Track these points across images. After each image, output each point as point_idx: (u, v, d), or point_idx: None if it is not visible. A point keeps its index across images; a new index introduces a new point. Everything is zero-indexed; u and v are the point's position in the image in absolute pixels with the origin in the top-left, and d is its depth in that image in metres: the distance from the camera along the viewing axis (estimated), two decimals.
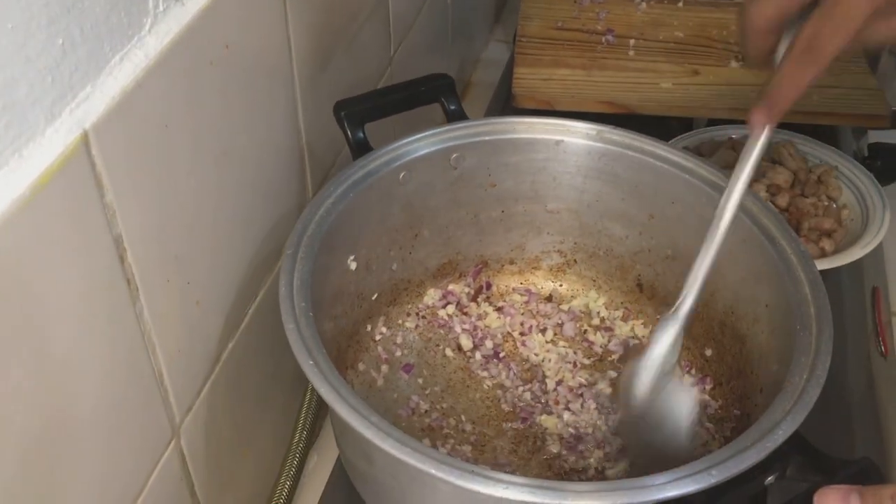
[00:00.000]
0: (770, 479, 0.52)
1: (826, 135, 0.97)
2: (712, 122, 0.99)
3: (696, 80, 1.04)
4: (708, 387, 0.73)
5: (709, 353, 0.74)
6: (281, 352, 0.54)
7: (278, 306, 0.57)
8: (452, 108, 0.74)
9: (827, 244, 0.83)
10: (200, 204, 0.55)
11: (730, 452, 0.51)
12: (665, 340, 0.60)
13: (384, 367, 0.75)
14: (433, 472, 0.48)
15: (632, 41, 1.11)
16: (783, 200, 0.87)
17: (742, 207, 0.67)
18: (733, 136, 0.95)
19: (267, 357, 0.68)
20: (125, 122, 0.46)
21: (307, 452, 0.75)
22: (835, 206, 0.88)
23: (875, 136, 1.05)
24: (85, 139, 0.43)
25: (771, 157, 0.90)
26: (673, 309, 0.61)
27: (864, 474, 0.49)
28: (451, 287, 0.81)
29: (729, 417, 0.70)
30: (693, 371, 0.74)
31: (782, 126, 0.95)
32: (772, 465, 0.51)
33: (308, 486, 0.74)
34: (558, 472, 0.67)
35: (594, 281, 0.81)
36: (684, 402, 0.61)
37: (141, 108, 0.47)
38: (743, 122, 0.95)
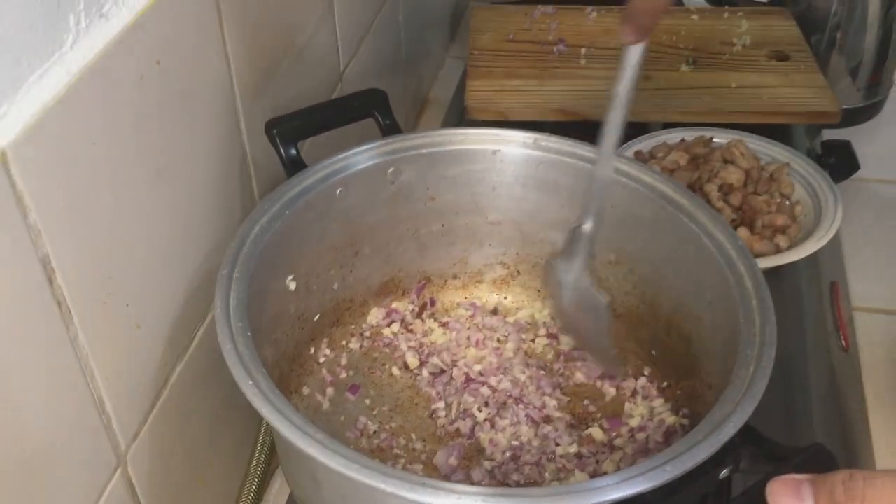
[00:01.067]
0: (724, 472, 0.52)
1: (780, 135, 0.99)
2: (667, 126, 1.00)
3: (648, 85, 1.04)
4: (656, 389, 0.73)
5: (655, 354, 0.74)
6: None
7: None
8: (387, 122, 0.73)
9: (781, 240, 0.84)
10: (137, 223, 0.53)
11: (682, 448, 0.50)
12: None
13: (329, 390, 0.73)
14: (382, 486, 0.47)
15: (583, 50, 1.12)
16: (736, 199, 0.87)
17: (679, 206, 0.68)
18: (686, 138, 0.96)
19: (220, 379, 0.65)
20: (47, 141, 0.44)
21: (265, 477, 0.72)
22: (788, 202, 0.89)
23: (828, 135, 1.07)
24: (3, 158, 0.41)
25: (723, 157, 0.91)
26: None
27: (817, 460, 0.49)
28: (394, 305, 0.79)
29: (682, 417, 0.69)
30: (645, 372, 0.74)
31: (734, 127, 0.97)
32: (724, 458, 0.51)
33: None
34: (512, 485, 0.66)
35: (539, 291, 0.81)
36: (597, 309, 0.71)
37: (64, 126, 0.45)
38: (696, 125, 0.98)
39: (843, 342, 0.83)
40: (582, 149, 0.72)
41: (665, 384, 0.73)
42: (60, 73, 0.46)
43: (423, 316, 0.79)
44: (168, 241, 0.58)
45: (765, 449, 0.52)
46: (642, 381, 0.74)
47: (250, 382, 0.52)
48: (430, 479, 0.47)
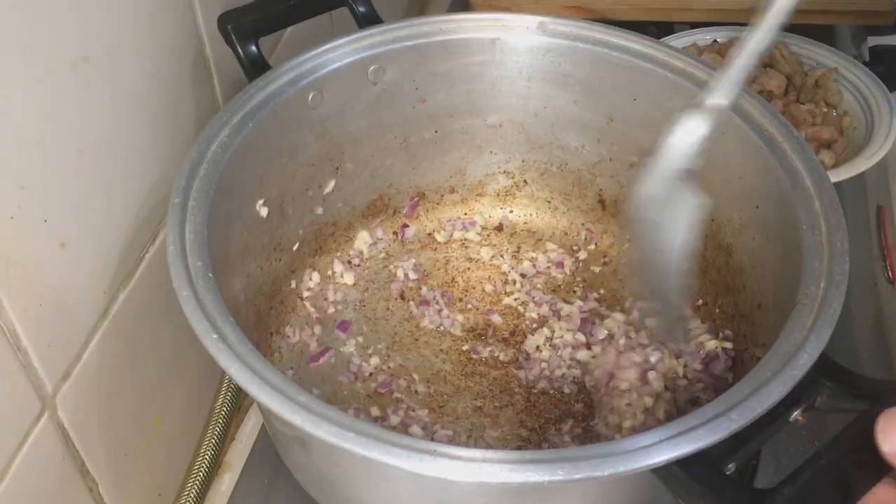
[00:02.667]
0: (796, 413, 0.43)
1: (821, 40, 0.86)
2: (696, 25, 0.88)
3: None
4: (689, 308, 0.63)
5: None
6: None
7: None
8: (362, 10, 0.62)
9: (826, 156, 0.73)
10: (54, 122, 0.43)
11: (748, 388, 0.41)
12: (679, 132, 0.49)
13: (316, 329, 0.63)
14: (385, 459, 0.38)
15: None
16: (776, 108, 0.76)
17: None
18: (718, 40, 0.84)
19: (176, 308, 0.56)
20: None
21: (232, 416, 0.64)
22: (834, 113, 0.78)
23: (874, 42, 0.95)
24: None
25: (762, 61, 0.80)
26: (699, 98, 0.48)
27: None
28: (385, 226, 0.69)
29: (723, 340, 0.60)
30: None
31: None
32: (799, 396, 0.42)
33: (240, 452, 0.63)
34: (532, 427, 0.57)
35: (549, 202, 0.71)
36: (685, 214, 0.50)
37: None
38: (728, 24, 0.86)
39: (890, 273, 0.73)
40: (598, 31, 0.61)
41: (700, 302, 0.63)
42: None
43: (420, 237, 0.69)
44: (102, 147, 0.48)
45: (845, 382, 0.43)
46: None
47: (214, 336, 0.42)
48: (441, 446, 0.38)
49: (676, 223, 0.51)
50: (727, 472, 0.40)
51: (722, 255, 0.60)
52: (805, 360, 0.42)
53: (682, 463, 0.39)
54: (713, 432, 0.39)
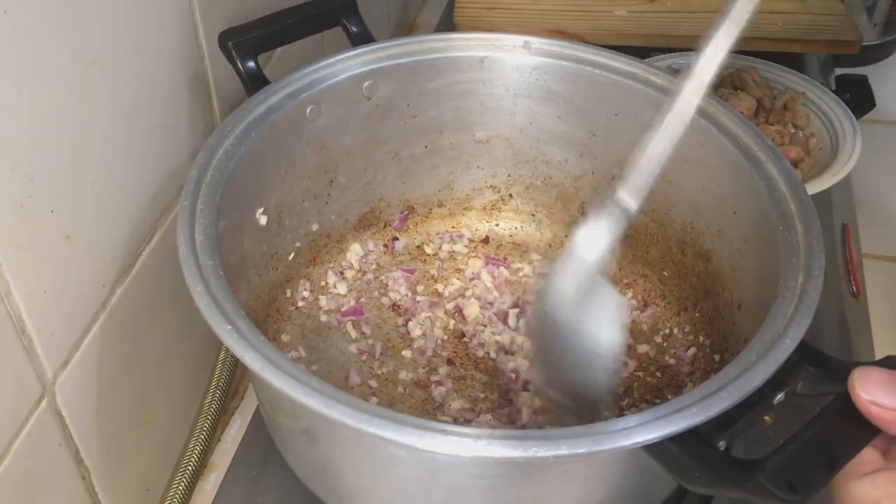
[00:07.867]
0: (780, 396, 0.45)
1: (791, 69, 0.91)
2: (671, 51, 0.92)
3: (653, 7, 0.96)
4: (670, 313, 0.66)
5: (667, 274, 0.67)
6: (189, 300, 0.45)
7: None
8: (355, 29, 0.64)
9: None
10: (65, 117, 0.45)
11: (736, 371, 0.43)
12: (590, 231, 0.48)
13: (311, 336, 0.65)
14: (398, 438, 0.39)
15: None
16: None
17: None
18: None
19: (170, 308, 0.59)
20: None
21: (220, 415, 0.65)
22: (801, 134, 0.82)
23: (841, 71, 1.01)
24: None
25: (733, 84, 0.84)
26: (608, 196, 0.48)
27: None
28: (375, 239, 0.72)
29: (701, 344, 0.63)
30: (655, 301, 0.68)
31: (745, 54, 0.89)
32: (783, 379, 0.45)
33: (226, 453, 0.65)
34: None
35: (533, 216, 0.73)
36: (606, 313, 0.49)
37: None
38: None
39: (854, 288, 0.77)
40: (580, 50, 0.64)
41: (681, 308, 0.66)
42: None
43: (410, 249, 0.72)
44: (108, 144, 0.50)
45: (824, 367, 0.46)
46: (653, 309, 0.67)
47: (229, 327, 0.44)
48: (450, 426, 0.40)
49: (599, 323, 0.49)
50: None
51: (701, 261, 0.63)
52: (787, 345, 0.44)
53: (677, 439, 0.41)
54: (706, 409, 0.41)
